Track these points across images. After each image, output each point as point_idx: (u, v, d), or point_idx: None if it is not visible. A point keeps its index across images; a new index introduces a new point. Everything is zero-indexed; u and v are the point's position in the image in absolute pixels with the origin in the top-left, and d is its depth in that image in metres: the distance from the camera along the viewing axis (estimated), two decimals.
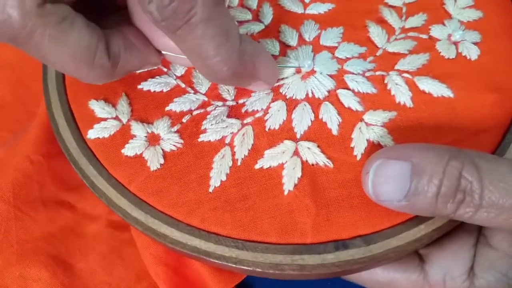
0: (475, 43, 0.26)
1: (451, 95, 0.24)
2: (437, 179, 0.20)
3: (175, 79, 0.26)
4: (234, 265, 0.22)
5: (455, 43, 0.26)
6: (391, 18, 0.27)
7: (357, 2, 0.27)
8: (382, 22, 0.27)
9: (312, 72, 0.25)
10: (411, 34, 0.26)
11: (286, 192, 0.23)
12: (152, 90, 0.26)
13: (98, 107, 0.26)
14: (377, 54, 0.26)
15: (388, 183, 0.21)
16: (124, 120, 0.25)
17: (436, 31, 0.26)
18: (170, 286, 0.26)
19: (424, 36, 0.26)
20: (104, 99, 0.26)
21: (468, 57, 0.25)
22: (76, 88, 0.27)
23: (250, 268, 0.22)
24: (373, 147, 0.24)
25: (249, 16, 0.27)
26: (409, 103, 0.24)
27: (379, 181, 0.21)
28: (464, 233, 0.23)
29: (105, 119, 0.26)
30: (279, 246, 0.22)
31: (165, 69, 0.27)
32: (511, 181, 0.20)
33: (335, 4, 0.27)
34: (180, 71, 0.26)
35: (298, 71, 0.25)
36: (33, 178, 0.29)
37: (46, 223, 0.28)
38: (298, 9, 0.27)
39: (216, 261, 0.22)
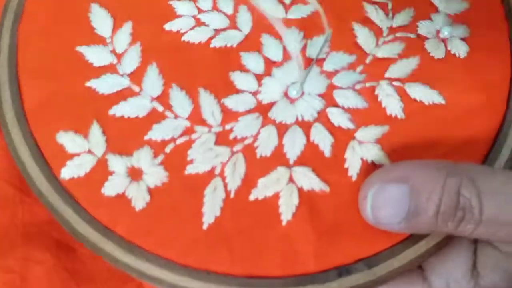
0: (464, 39, 0.24)
1: (443, 102, 0.23)
2: (436, 198, 0.19)
3: (150, 101, 0.23)
4: None
5: (444, 40, 0.24)
6: (377, 17, 0.24)
7: (341, 0, 0.24)
8: (368, 22, 0.23)
9: (301, 93, 0.23)
10: (399, 34, 0.23)
11: (284, 222, 0.21)
12: (126, 116, 0.23)
13: (68, 140, 0.22)
14: (367, 61, 0.23)
15: (387, 207, 0.19)
16: (99, 154, 0.22)
17: (424, 28, 0.24)
18: None
19: (412, 36, 0.24)
20: (73, 130, 0.23)
21: (457, 55, 0.23)
22: (39, 116, 0.23)
23: None
24: (368, 166, 0.22)
25: (225, 22, 0.24)
26: (400, 115, 0.22)
27: (378, 206, 0.20)
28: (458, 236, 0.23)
29: (77, 154, 0.22)
30: (282, 280, 0.21)
31: (137, 89, 0.23)
32: (509, 193, 0.19)
33: (319, 4, 0.24)
34: (155, 90, 0.23)
35: (286, 94, 0.23)
36: None
37: None
38: (279, 13, 0.24)
39: None
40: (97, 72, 0.23)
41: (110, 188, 0.21)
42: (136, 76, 0.23)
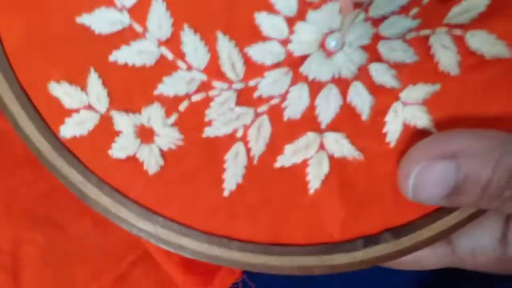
0: None
1: (507, 55, 0.19)
2: (485, 179, 0.17)
3: (157, 46, 0.19)
4: (260, 271, 0.20)
5: None
6: None
7: None
8: None
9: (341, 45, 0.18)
10: None
11: (312, 191, 0.20)
12: (130, 64, 0.19)
13: (63, 93, 0.19)
14: (423, 2, 0.19)
15: (431, 187, 0.18)
16: (102, 110, 0.19)
17: None
18: (181, 270, 0.24)
19: None
20: (67, 80, 0.19)
21: None
22: (25, 59, 0.19)
23: (277, 272, 0.20)
24: (409, 131, 0.19)
25: None
26: (454, 71, 0.19)
27: (421, 186, 0.18)
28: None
29: (76, 110, 0.19)
30: (307, 248, 0.20)
31: (140, 28, 0.19)
32: None
33: None
34: (163, 32, 0.19)
35: (322, 45, 0.19)
36: (14, 135, 0.24)
37: (35, 181, 0.25)
38: None
39: (242, 268, 0.20)
40: (88, 4, 0.18)
41: (119, 150, 0.19)
42: (138, 11, 0.18)
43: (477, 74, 0.19)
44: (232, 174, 0.19)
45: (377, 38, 0.18)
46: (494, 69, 0.19)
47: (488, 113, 0.19)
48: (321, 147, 0.19)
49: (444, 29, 0.19)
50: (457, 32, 0.19)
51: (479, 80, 0.19)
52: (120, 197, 0.19)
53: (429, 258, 0.22)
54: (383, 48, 0.18)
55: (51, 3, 0.18)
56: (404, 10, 0.18)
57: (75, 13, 0.18)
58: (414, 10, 0.18)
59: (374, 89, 0.19)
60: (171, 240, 0.20)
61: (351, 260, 0.20)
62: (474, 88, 0.19)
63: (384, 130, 0.19)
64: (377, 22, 0.18)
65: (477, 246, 0.21)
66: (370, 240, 0.20)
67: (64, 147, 0.19)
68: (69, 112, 0.19)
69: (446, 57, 0.19)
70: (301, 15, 0.18)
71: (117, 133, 0.19)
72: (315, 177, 0.19)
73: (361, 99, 0.19)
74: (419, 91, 0.19)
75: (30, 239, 0.24)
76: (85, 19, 0.18)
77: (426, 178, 0.18)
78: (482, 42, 0.19)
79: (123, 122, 0.19)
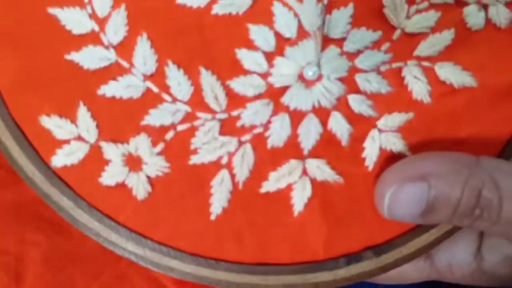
0: (509, 4, 0.20)
1: (474, 84, 0.20)
2: (455, 199, 0.18)
3: (143, 81, 0.20)
4: None
5: (485, 6, 0.20)
6: None
7: None
8: None
9: (318, 76, 0.19)
10: (434, 0, 0.20)
11: (296, 213, 0.20)
12: (117, 97, 0.20)
13: (54, 126, 0.20)
14: (394, 37, 0.19)
15: (405, 206, 0.19)
16: (91, 140, 0.20)
17: None
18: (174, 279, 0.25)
19: (450, 1, 0.20)
20: (57, 113, 0.20)
21: (498, 24, 0.20)
22: (17, 95, 0.19)
23: None
24: (386, 155, 0.20)
25: None
26: (426, 99, 0.20)
27: (396, 205, 0.19)
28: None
29: (67, 141, 0.20)
30: (291, 267, 0.21)
31: (126, 65, 0.20)
32: None
33: None
34: (148, 67, 0.19)
35: (300, 77, 0.20)
36: None
37: None
38: None
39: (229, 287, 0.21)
40: (77, 42, 0.19)
41: (108, 178, 0.20)
42: (124, 48, 0.19)
43: (447, 102, 0.20)
44: (218, 199, 0.20)
45: (353, 70, 0.19)
46: (462, 97, 0.20)
47: (458, 137, 0.20)
48: (304, 172, 0.20)
49: (414, 61, 0.20)
50: (427, 64, 0.20)
51: (449, 107, 0.20)
52: (110, 222, 0.20)
53: (410, 272, 0.23)
54: (359, 80, 0.19)
55: (40, 43, 0.19)
56: (376, 44, 0.19)
57: (64, 51, 0.19)
58: (386, 45, 0.19)
59: (353, 118, 0.20)
60: (160, 263, 0.21)
61: (334, 278, 0.21)
62: (444, 114, 0.20)
63: (363, 155, 0.20)
64: (352, 56, 0.19)
65: (454, 260, 0.22)
66: (352, 258, 0.21)
67: (56, 176, 0.20)
68: (60, 143, 0.19)
69: (418, 87, 0.20)
70: (279, 51, 0.19)
71: (107, 162, 0.20)
72: (299, 201, 0.20)
73: (340, 127, 0.20)
74: (394, 119, 0.20)
75: (34, 241, 0.25)
76: (73, 56, 0.19)
77: (400, 198, 0.19)
78: (450, 73, 0.20)
79: (112, 151, 0.19)
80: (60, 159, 0.20)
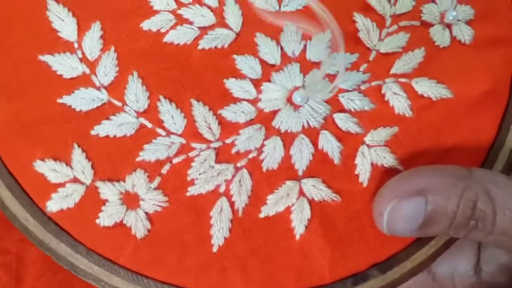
0: (469, 22, 0.22)
1: (450, 96, 0.21)
2: (452, 212, 0.19)
3: (136, 118, 0.20)
4: None
5: (449, 26, 0.22)
6: (380, 5, 0.21)
7: None
8: (370, 11, 0.21)
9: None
10: (402, 24, 0.21)
11: (297, 237, 0.20)
12: (111, 136, 0.20)
13: (48, 170, 0.19)
14: (370, 58, 0.21)
15: (404, 221, 0.19)
16: (87, 182, 0.20)
17: (428, 13, 0.21)
18: None
19: (417, 24, 0.21)
20: (52, 157, 0.20)
21: (462, 41, 0.22)
22: (10, 142, 0.19)
23: None
24: (378, 170, 0.21)
25: (211, 18, 0.20)
26: (408, 113, 0.21)
27: (394, 221, 0.19)
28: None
29: (62, 185, 0.20)
30: None
31: (119, 103, 0.20)
32: None
33: None
34: (141, 104, 0.20)
35: (289, 100, 0.20)
36: None
37: None
38: (271, 5, 0.20)
39: None
40: (69, 86, 0.20)
41: (106, 218, 0.19)
42: (116, 88, 0.20)
43: (428, 114, 0.21)
44: (219, 229, 0.20)
45: (337, 91, 0.20)
46: (441, 108, 0.21)
47: (445, 145, 0.21)
48: (301, 193, 0.20)
49: (392, 79, 0.21)
50: (404, 80, 0.21)
51: (431, 118, 0.21)
52: (110, 265, 0.19)
53: (413, 287, 0.23)
54: (343, 99, 0.20)
55: (31, 89, 0.19)
56: (354, 66, 0.21)
57: (56, 95, 0.19)
58: (364, 66, 0.21)
59: (341, 135, 0.20)
60: None
61: None
62: (427, 126, 0.21)
63: (356, 172, 0.21)
64: (333, 77, 0.20)
65: (456, 274, 0.23)
66: (359, 278, 0.21)
67: (52, 222, 0.19)
68: (55, 187, 0.19)
69: (399, 102, 0.21)
70: (266, 77, 0.20)
71: (103, 202, 0.19)
72: (299, 223, 0.20)
73: (330, 146, 0.20)
74: (380, 134, 0.21)
75: None
76: (65, 99, 0.19)
77: (398, 215, 0.19)
78: (426, 87, 0.21)
79: (108, 191, 0.19)
80: (55, 204, 0.19)
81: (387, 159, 0.21)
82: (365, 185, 0.20)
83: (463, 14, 0.22)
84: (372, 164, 0.20)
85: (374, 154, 0.20)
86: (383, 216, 0.19)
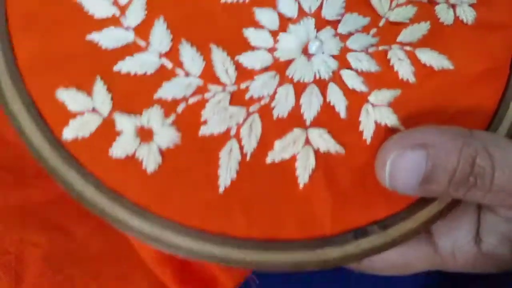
0: (471, 5, 0.23)
1: (451, 67, 0.23)
2: (452, 167, 0.19)
3: (159, 58, 0.21)
4: (255, 268, 0.20)
5: (453, 6, 0.23)
6: None
7: None
8: None
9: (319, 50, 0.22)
10: None
11: (301, 185, 0.21)
12: (132, 73, 0.21)
13: (69, 98, 0.20)
14: (380, 25, 0.23)
15: (405, 173, 0.20)
16: (105, 113, 0.20)
17: None
18: (176, 279, 0.23)
19: (424, 0, 0.23)
20: (75, 86, 0.21)
21: (465, 21, 0.23)
22: (36, 72, 0.20)
23: (271, 269, 0.21)
24: (381, 129, 0.22)
25: None
26: (412, 79, 0.22)
27: (396, 173, 0.20)
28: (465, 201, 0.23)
29: (81, 113, 0.20)
30: (300, 243, 0.21)
31: (143, 43, 0.21)
32: None
33: None
34: (163, 46, 0.21)
35: (303, 51, 0.22)
36: None
37: (48, 190, 0.25)
38: None
39: (236, 266, 0.20)
40: (98, 25, 0.21)
41: (119, 149, 0.20)
42: (142, 30, 0.21)
43: (430, 82, 0.22)
44: (226, 170, 0.20)
45: (345, 50, 0.22)
46: (444, 78, 0.22)
47: (447, 113, 0.22)
48: (307, 141, 0.21)
49: (398, 45, 0.22)
50: (408, 48, 0.22)
51: (433, 86, 0.22)
52: (117, 196, 0.20)
53: (414, 261, 0.23)
54: (351, 58, 0.22)
55: (63, 25, 0.21)
56: (365, 29, 0.22)
57: (86, 32, 0.21)
58: (373, 30, 0.22)
59: (347, 92, 0.22)
60: (167, 240, 0.20)
61: (343, 253, 0.21)
62: (430, 92, 0.22)
63: (360, 128, 0.21)
64: (344, 37, 0.22)
65: (456, 246, 0.23)
66: (359, 232, 0.21)
67: (65, 149, 0.20)
68: (74, 115, 0.20)
69: (403, 68, 0.22)
70: (283, 28, 0.21)
71: (118, 133, 0.20)
72: (303, 172, 0.21)
73: (337, 99, 0.21)
74: (384, 95, 0.22)
75: (35, 241, 0.24)
76: (94, 36, 0.21)
77: (400, 165, 0.20)
78: (429, 56, 0.23)
79: (124, 122, 0.20)
80: (71, 131, 0.20)
81: (390, 119, 0.22)
82: (368, 142, 0.21)
83: None
84: (375, 122, 0.21)
85: (377, 113, 0.21)
86: (385, 167, 0.20)
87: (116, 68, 0.20)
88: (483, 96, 0.23)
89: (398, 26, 0.23)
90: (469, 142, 0.20)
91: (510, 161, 0.20)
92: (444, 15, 0.23)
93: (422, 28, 0.23)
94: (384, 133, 0.22)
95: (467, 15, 0.23)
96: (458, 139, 0.20)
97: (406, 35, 0.22)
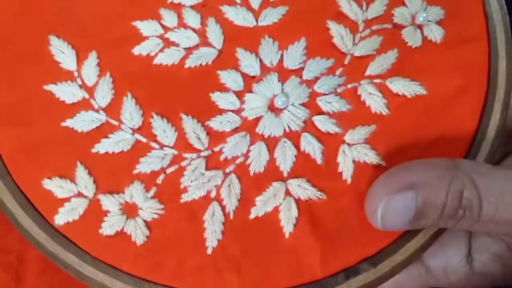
0: (439, 22, 0.23)
1: (425, 92, 0.22)
2: (441, 203, 0.19)
3: (132, 134, 0.22)
4: None
5: (420, 27, 0.23)
6: (352, 11, 0.23)
7: None
8: (343, 18, 0.22)
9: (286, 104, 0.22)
10: (375, 27, 0.23)
11: (287, 235, 0.21)
12: (110, 152, 0.22)
13: (55, 187, 0.21)
14: (345, 62, 0.22)
15: (397, 216, 0.20)
16: (90, 195, 0.21)
17: (399, 16, 0.22)
18: None
19: (389, 26, 0.23)
20: (58, 175, 0.22)
21: (433, 41, 0.23)
22: (20, 164, 0.21)
23: None
24: (360, 167, 0.22)
25: (195, 39, 0.22)
26: (385, 112, 0.22)
27: (388, 216, 0.20)
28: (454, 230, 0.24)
29: (68, 199, 0.21)
30: None
31: (116, 122, 0.22)
32: (507, 195, 0.19)
33: (288, 6, 0.23)
34: (135, 122, 0.22)
35: (270, 108, 0.22)
36: None
37: None
38: (249, 21, 0.22)
39: None
40: (71, 110, 0.22)
41: (108, 228, 0.21)
42: (112, 109, 0.22)
43: (405, 111, 0.22)
44: (212, 231, 0.21)
45: (314, 95, 0.22)
46: (418, 104, 0.22)
47: (426, 140, 0.22)
48: (287, 193, 0.21)
49: (367, 80, 0.22)
50: (378, 80, 0.22)
51: (409, 115, 0.22)
52: (114, 271, 0.21)
53: (406, 283, 0.23)
54: (320, 103, 0.22)
55: (38, 115, 0.22)
56: (331, 70, 0.22)
57: (60, 119, 0.22)
58: (339, 70, 0.22)
59: (322, 136, 0.22)
60: None
61: None
62: (406, 122, 0.22)
63: (339, 170, 0.22)
64: (311, 83, 0.22)
65: (448, 265, 0.23)
66: (350, 272, 0.21)
67: (60, 234, 0.21)
68: (61, 202, 0.21)
69: (375, 102, 0.22)
70: (248, 88, 0.22)
71: (105, 213, 0.21)
72: (287, 222, 0.21)
73: (312, 147, 0.22)
74: (359, 132, 0.22)
75: None
76: (68, 123, 0.22)
77: (391, 210, 0.20)
78: (401, 85, 0.22)
79: (109, 202, 0.21)
80: (62, 217, 0.21)
81: (369, 156, 0.22)
82: (349, 182, 0.21)
83: (433, 15, 0.23)
84: (354, 161, 0.22)
85: (355, 152, 0.22)
86: (376, 213, 0.20)
87: (94, 150, 0.21)
88: (461, 115, 0.22)
89: (365, 59, 0.22)
90: (455, 176, 0.20)
91: (495, 190, 0.19)
92: (412, 38, 0.23)
93: (389, 57, 0.22)
94: (365, 171, 0.22)
95: (435, 34, 0.23)
96: (445, 175, 0.20)
97: (374, 67, 0.22)
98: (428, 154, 0.22)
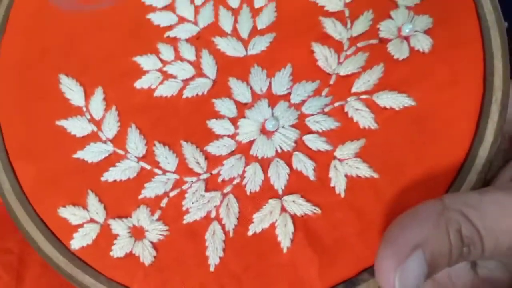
0: (427, 31, 0.23)
1: (413, 104, 0.23)
2: (447, 250, 0.19)
3: (137, 162, 0.24)
4: None
5: (406, 38, 0.23)
6: (336, 31, 0.24)
7: (296, 21, 0.24)
8: (327, 39, 0.23)
9: (276, 127, 0.23)
10: (360, 44, 0.23)
11: (285, 250, 0.22)
12: (118, 180, 0.24)
13: (69, 214, 0.23)
14: (331, 82, 0.24)
15: (414, 280, 0.20)
16: (101, 221, 0.23)
17: (385, 30, 0.23)
18: None
19: (374, 42, 0.23)
20: (72, 203, 0.24)
21: (421, 51, 0.23)
22: (39, 195, 0.23)
23: None
24: (353, 180, 0.22)
25: (191, 71, 0.24)
26: (373, 126, 0.23)
27: (406, 283, 0.20)
28: None
29: (81, 225, 0.23)
30: None
31: (122, 152, 0.24)
32: (502, 222, 0.19)
33: (275, 32, 0.24)
34: (139, 150, 0.24)
35: (261, 131, 0.23)
36: None
37: None
38: (239, 51, 0.24)
39: None
40: (81, 143, 0.24)
41: (118, 250, 0.22)
42: (118, 139, 0.23)
43: (394, 123, 0.23)
44: (213, 249, 0.22)
45: (303, 117, 0.23)
46: (407, 116, 0.23)
47: (418, 150, 0.22)
48: (283, 209, 0.22)
49: (353, 97, 0.23)
50: (365, 96, 0.23)
51: (399, 127, 0.23)
52: None
53: None
54: (309, 123, 0.23)
55: (52, 149, 0.24)
56: (317, 91, 0.23)
57: (71, 152, 0.24)
58: (326, 90, 0.23)
59: (313, 154, 0.23)
60: None
61: None
62: (396, 134, 0.23)
63: (332, 184, 0.23)
64: (299, 105, 0.23)
65: (452, 271, 0.23)
66: (349, 283, 0.22)
67: (77, 258, 0.23)
68: (76, 228, 0.23)
69: (362, 117, 0.23)
70: (241, 114, 0.23)
71: (115, 237, 0.23)
72: (284, 237, 0.22)
73: (304, 165, 0.23)
74: (349, 147, 0.23)
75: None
76: (79, 154, 0.24)
77: (408, 277, 0.20)
78: (388, 99, 0.23)
79: (118, 227, 0.23)
80: (77, 242, 0.23)
81: (360, 169, 0.22)
82: (342, 195, 0.22)
83: (421, 25, 0.23)
84: (346, 176, 0.22)
85: (346, 166, 0.23)
86: (395, 285, 0.20)
87: (103, 179, 0.23)
88: (455, 122, 0.22)
89: (350, 77, 0.23)
90: (449, 218, 0.19)
91: (490, 220, 0.19)
92: (398, 50, 0.23)
93: (375, 73, 0.23)
94: (357, 184, 0.22)
95: (422, 44, 0.23)
96: (440, 221, 0.19)
97: (359, 84, 0.23)
98: (421, 164, 0.22)
